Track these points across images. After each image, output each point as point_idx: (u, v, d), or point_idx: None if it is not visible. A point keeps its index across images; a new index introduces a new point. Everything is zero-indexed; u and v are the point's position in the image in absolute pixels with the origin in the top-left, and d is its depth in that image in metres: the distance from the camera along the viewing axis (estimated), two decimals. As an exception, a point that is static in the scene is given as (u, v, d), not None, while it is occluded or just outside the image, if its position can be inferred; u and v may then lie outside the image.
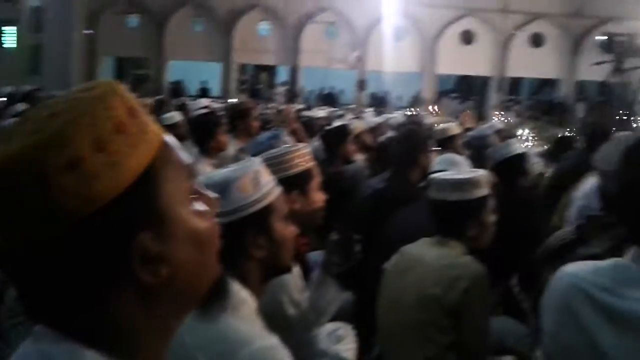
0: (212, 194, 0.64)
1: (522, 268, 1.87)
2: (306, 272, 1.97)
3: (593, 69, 7.68)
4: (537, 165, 3.84)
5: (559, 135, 7.81)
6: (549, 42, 20.74)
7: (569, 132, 9.09)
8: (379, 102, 19.54)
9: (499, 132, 4.88)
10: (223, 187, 1.22)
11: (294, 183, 1.74)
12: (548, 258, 1.55)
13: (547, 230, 2.75)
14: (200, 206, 0.61)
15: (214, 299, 1.10)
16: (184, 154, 0.61)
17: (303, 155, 1.81)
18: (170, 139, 0.59)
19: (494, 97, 20.49)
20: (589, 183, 2.68)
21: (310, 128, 5.21)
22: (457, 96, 19.85)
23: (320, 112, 7.08)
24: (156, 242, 0.54)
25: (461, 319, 1.85)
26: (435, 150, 3.45)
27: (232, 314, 1.14)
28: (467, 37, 20.85)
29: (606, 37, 6.91)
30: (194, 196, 0.60)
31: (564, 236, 1.69)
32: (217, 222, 0.63)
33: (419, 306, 1.91)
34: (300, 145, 1.89)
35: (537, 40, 20.78)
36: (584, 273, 1.10)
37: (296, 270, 1.68)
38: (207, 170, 2.78)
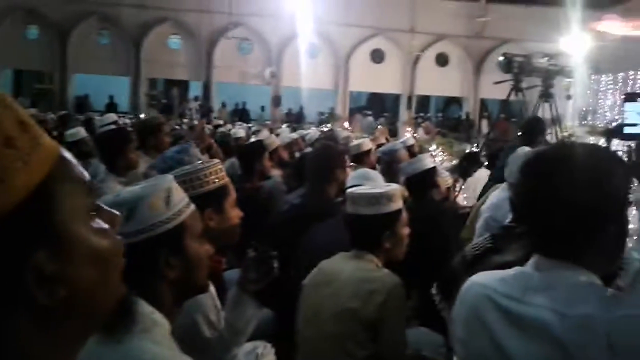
0: (113, 211, 0.61)
1: (440, 278, 1.92)
2: (223, 291, 1.91)
3: (494, 88, 8.14)
4: (447, 179, 3.99)
5: (466, 151, 8.21)
6: (453, 62, 21.86)
7: (475, 147, 9.59)
8: (295, 118, 19.69)
9: (409, 147, 5.04)
10: (132, 206, 1.16)
11: (208, 200, 1.70)
12: (465, 267, 1.60)
13: (459, 241, 2.87)
14: (100, 224, 0.58)
15: (119, 321, 1.04)
16: (82, 169, 0.57)
17: (217, 171, 1.77)
18: (67, 154, 0.55)
19: (404, 113, 21.25)
20: (494, 196, 2.83)
21: (225, 144, 5.14)
22: (369, 113, 20.39)
23: (240, 131, 7.02)
24: (52, 262, 0.51)
25: (379, 332, 1.87)
26: (350, 165, 3.50)
27: (143, 337, 1.08)
28: (378, 56, 21.55)
29: (505, 58, 7.33)
30: (94, 213, 0.57)
31: (479, 245, 1.75)
32: (120, 240, 0.59)
33: (337, 320, 1.91)
34: (214, 161, 1.84)
35: (442, 60, 21.84)
36: (490, 282, 1.13)
37: (212, 289, 1.63)
38: (117, 189, 2.65)
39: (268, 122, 16.63)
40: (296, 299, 2.12)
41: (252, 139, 4.68)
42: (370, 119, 19.34)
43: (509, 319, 1.07)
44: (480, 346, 1.12)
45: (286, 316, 2.26)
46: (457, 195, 5.04)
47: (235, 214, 1.83)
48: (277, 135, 6.74)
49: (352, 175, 2.87)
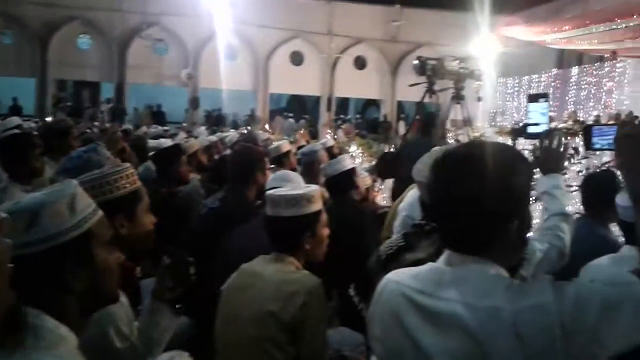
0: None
1: (358, 278, 1.94)
2: (138, 300, 1.83)
3: (410, 90, 8.40)
4: (366, 180, 4.06)
5: (384, 152, 8.39)
6: (371, 65, 22.35)
7: (393, 148, 9.85)
8: (214, 121, 19.35)
9: (329, 149, 5.08)
10: (33, 213, 1.08)
11: (118, 206, 1.62)
12: (379, 266, 1.62)
13: (378, 240, 2.92)
14: None
15: (9, 333, 0.96)
16: None
17: (128, 176, 1.69)
18: None
19: (324, 115, 21.46)
20: (411, 195, 2.89)
21: (140, 148, 4.94)
22: (290, 115, 20.45)
23: (164, 140, 6.68)
24: None
25: (299, 334, 1.86)
26: (270, 167, 3.47)
27: (44, 353, 1.00)
28: (297, 58, 21.64)
29: (419, 61, 7.57)
30: None
31: (392, 244, 1.78)
32: (5, 244, 0.54)
33: (257, 324, 1.88)
34: (125, 165, 1.76)
35: (360, 63, 22.28)
36: (405, 279, 1.16)
37: (124, 299, 1.55)
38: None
39: (185, 125, 16.22)
40: (215, 305, 2.06)
41: (169, 142, 4.51)
42: (291, 120, 19.39)
43: (423, 314, 1.10)
44: (396, 342, 1.14)
45: (204, 323, 2.20)
46: (376, 195, 5.13)
47: (148, 220, 1.76)
48: (196, 137, 6.57)
49: (272, 177, 2.84)
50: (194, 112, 19.86)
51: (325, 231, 2.13)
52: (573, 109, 17.37)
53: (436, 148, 1.70)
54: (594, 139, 1.51)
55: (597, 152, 4.72)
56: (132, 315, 1.63)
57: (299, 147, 5.23)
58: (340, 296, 2.24)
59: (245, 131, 9.35)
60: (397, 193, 3.75)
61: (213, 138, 6.31)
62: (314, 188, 2.15)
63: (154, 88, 20.89)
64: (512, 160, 1.14)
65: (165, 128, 11.95)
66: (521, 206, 1.14)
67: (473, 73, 8.02)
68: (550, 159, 1.78)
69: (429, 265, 1.18)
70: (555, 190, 1.73)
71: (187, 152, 4.32)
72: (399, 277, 1.19)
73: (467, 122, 7.93)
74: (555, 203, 1.72)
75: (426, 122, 5.58)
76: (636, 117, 13.77)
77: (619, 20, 13.46)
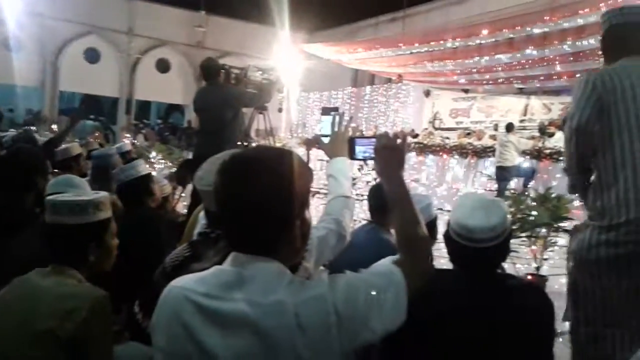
0: None
1: (143, 291, 1.83)
2: None
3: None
4: (165, 187, 3.89)
5: (185, 158, 8.21)
6: (175, 69, 21.79)
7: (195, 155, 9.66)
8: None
9: (126, 153, 4.79)
10: None
11: None
12: (164, 277, 1.55)
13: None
14: None
15: None
16: None
17: None
18: None
19: (123, 118, 20.30)
20: (209, 201, 2.85)
21: None
22: (83, 115, 18.91)
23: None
24: None
25: (81, 353, 1.69)
26: (53, 171, 3.14)
27: None
28: (92, 55, 20.16)
29: (223, 69, 7.56)
30: None
31: (178, 254, 1.72)
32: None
33: (32, 342, 1.67)
34: None
35: (163, 66, 21.58)
36: (189, 284, 1.16)
37: None
38: None
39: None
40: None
41: None
42: (89, 122, 17.98)
43: (209, 317, 1.10)
44: (182, 349, 1.11)
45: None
46: (176, 203, 4.98)
47: None
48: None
49: (52, 182, 2.58)
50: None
51: (115, 241, 1.99)
52: (363, 125, 19.00)
53: (217, 156, 1.70)
54: (357, 149, 1.66)
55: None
56: None
57: (90, 151, 4.84)
58: (128, 310, 2.10)
59: (26, 130, 8.36)
60: (197, 200, 3.67)
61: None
62: (102, 194, 1.99)
63: None
64: (294, 164, 1.19)
65: None
66: (303, 208, 1.20)
67: (276, 85, 8.25)
68: (337, 143, 1.87)
69: (214, 268, 1.19)
70: (338, 174, 1.83)
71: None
72: (182, 282, 1.18)
73: (270, 132, 8.14)
74: (337, 186, 1.82)
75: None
76: (417, 134, 15.56)
77: (403, 47, 15.05)
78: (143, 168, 3.19)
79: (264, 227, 1.14)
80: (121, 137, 15.10)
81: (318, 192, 7.34)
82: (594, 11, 10.44)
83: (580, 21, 10.93)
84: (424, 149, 13.84)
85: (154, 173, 3.69)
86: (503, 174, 10.62)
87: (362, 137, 1.65)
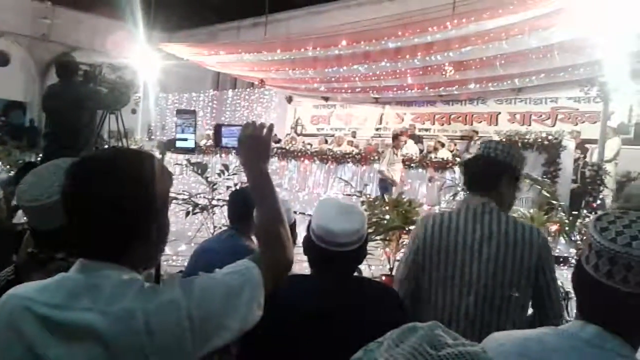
0: None
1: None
2: None
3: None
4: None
5: (26, 160, 7.47)
6: (16, 63, 19.84)
7: (38, 157, 8.84)
8: None
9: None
10: None
11: None
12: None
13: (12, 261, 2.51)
14: None
15: None
16: None
17: None
18: None
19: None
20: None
21: None
22: None
23: None
24: None
25: None
26: None
27: None
28: None
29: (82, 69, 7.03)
30: None
31: (1, 277, 1.57)
32: None
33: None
34: None
35: (2, 59, 19.56)
36: (29, 293, 1.10)
37: None
38: None
39: None
40: None
41: None
42: None
43: (50, 327, 1.05)
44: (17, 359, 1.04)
45: None
46: (14, 210, 4.48)
47: None
48: None
49: None
50: None
51: None
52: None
53: (46, 165, 1.55)
54: (224, 139, 1.62)
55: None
56: None
57: None
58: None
59: None
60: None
61: None
62: None
63: None
64: (150, 167, 1.15)
65: None
66: (159, 213, 1.17)
67: (130, 84, 7.82)
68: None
69: (59, 275, 1.13)
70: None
71: None
72: (22, 291, 1.11)
73: (124, 133, 7.67)
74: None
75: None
76: (279, 139, 15.70)
77: (265, 53, 15.11)
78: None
79: (113, 232, 1.10)
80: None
81: (176, 198, 7.06)
82: (442, 30, 11.32)
83: (429, 38, 11.77)
84: (286, 155, 14.02)
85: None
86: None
87: (229, 125, 1.59)
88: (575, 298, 1.23)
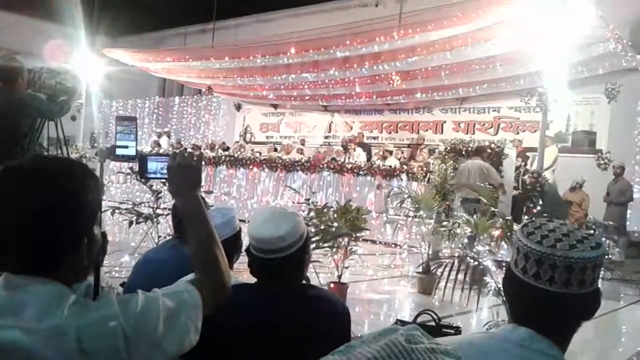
0: None
1: None
2: None
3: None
4: None
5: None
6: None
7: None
8: None
9: None
10: None
11: None
12: None
13: None
14: None
15: None
16: None
17: None
18: None
19: None
20: None
21: None
22: None
23: None
24: None
25: None
26: None
27: None
28: None
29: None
30: None
31: None
32: None
33: None
34: None
35: None
36: None
37: None
38: None
39: None
40: None
41: None
42: None
43: None
44: None
45: None
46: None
47: None
48: None
49: None
50: None
51: None
52: (172, 136, 18.43)
53: None
54: (149, 166, 1.57)
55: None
56: None
57: None
58: None
59: None
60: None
61: None
62: None
63: None
64: (81, 176, 1.11)
65: None
66: (90, 224, 1.12)
67: (71, 90, 7.55)
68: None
69: None
70: None
71: None
72: None
73: (64, 141, 7.40)
74: None
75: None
76: (228, 147, 15.53)
77: (213, 60, 14.96)
78: None
79: (38, 246, 1.04)
80: None
81: (119, 208, 6.86)
82: (389, 40, 11.52)
83: (377, 48, 11.95)
84: (235, 162, 13.90)
85: None
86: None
87: (156, 154, 1.54)
88: (507, 303, 1.27)
